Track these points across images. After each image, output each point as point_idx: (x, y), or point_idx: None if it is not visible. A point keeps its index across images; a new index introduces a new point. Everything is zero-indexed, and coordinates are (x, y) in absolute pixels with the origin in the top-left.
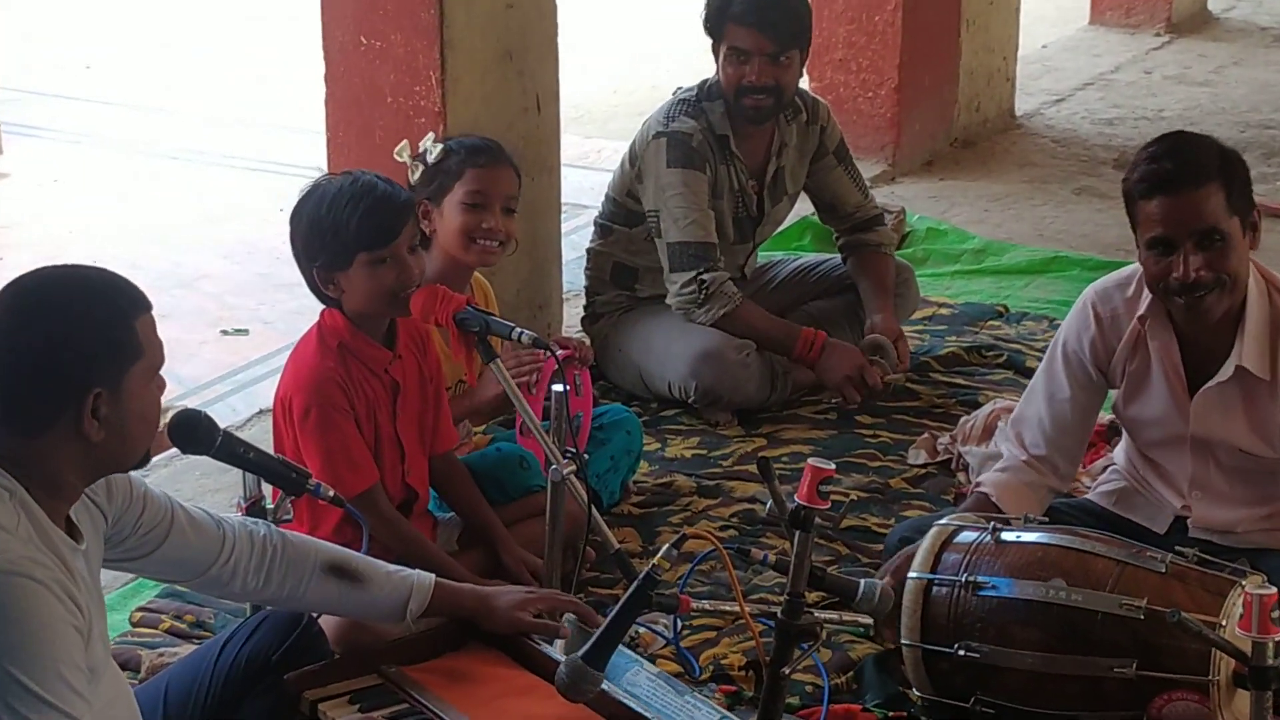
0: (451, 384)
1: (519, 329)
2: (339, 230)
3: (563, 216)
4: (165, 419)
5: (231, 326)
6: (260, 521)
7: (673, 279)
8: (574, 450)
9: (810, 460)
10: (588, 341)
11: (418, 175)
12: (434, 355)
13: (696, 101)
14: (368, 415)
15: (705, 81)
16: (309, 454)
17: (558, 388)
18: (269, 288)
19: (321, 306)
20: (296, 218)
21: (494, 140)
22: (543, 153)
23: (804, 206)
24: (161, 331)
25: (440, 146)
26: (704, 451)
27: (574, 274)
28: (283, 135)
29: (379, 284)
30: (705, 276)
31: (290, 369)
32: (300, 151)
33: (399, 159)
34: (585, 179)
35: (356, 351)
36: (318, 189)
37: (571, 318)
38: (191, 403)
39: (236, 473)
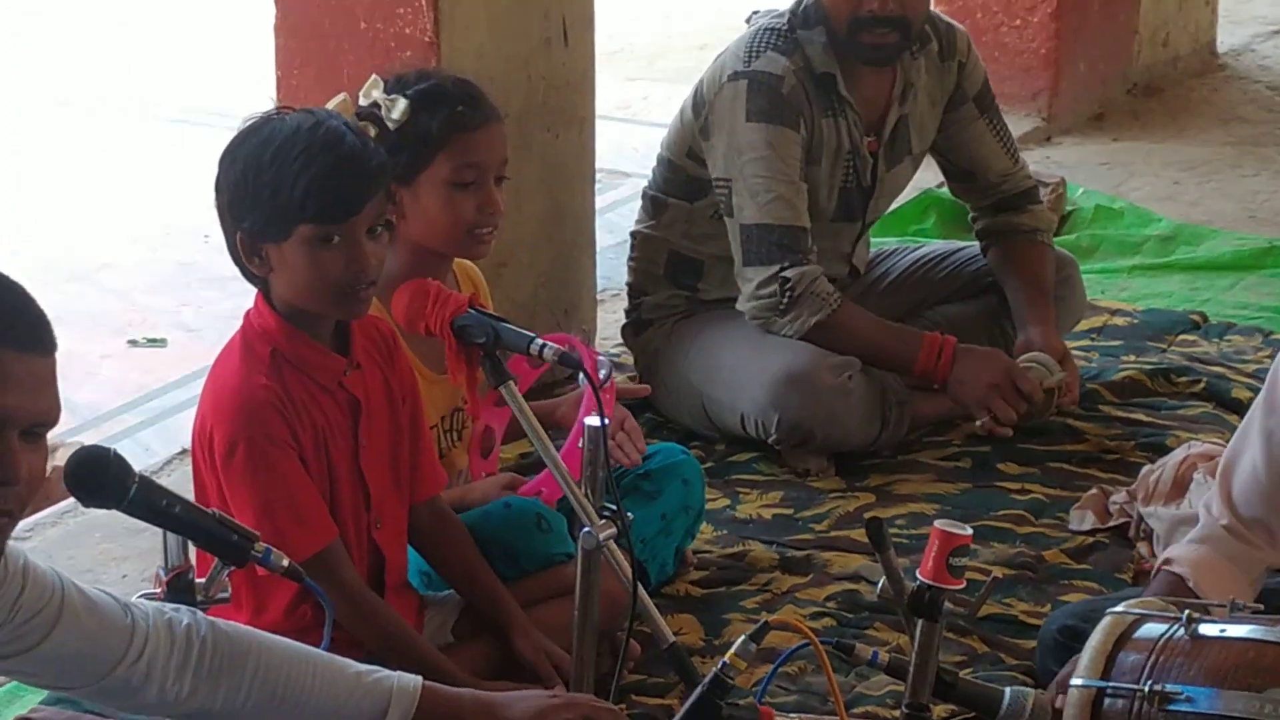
0: (447, 412)
1: (540, 340)
2: (280, 187)
3: (597, 187)
4: (56, 459)
5: (143, 335)
6: (184, 607)
7: (747, 276)
8: (614, 507)
9: (937, 524)
10: (631, 361)
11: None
12: (404, 365)
13: (789, 31)
14: (317, 447)
15: (801, 2)
16: (239, 505)
17: (593, 421)
18: (194, 282)
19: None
20: (229, 159)
21: (465, 79)
22: (571, 99)
23: (926, 177)
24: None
25: (401, 102)
26: (789, 510)
27: (612, 266)
28: (217, 75)
29: (319, 271)
30: (789, 273)
31: (208, 391)
32: (240, 97)
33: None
34: (628, 135)
35: (296, 359)
36: (266, 126)
37: (609, 326)
38: (90, 439)
39: (152, 535)
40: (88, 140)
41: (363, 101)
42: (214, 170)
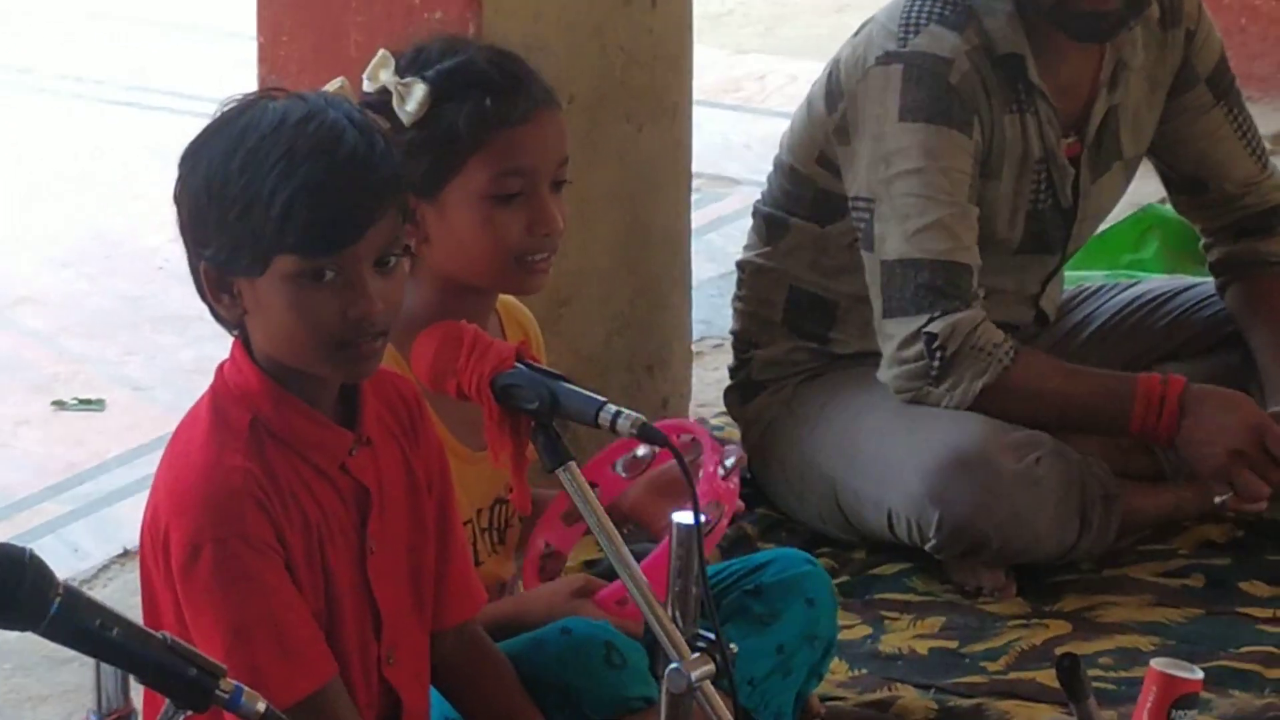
0: (486, 504)
1: (612, 406)
2: (252, 205)
3: (694, 199)
4: None
5: (73, 395)
6: None
7: (887, 332)
8: (712, 635)
9: (1155, 663)
10: (737, 436)
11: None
12: (432, 441)
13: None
14: (310, 553)
15: None
16: (203, 628)
17: (682, 518)
18: (143, 322)
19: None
20: (191, 163)
21: (506, 51)
22: (659, 79)
23: (1145, 189)
24: None
25: (419, 87)
26: (953, 643)
27: (713, 307)
28: (180, 44)
29: (305, 319)
30: (936, 326)
31: (165, 473)
32: (208, 76)
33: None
34: (737, 128)
35: (285, 432)
36: (240, 117)
37: (708, 389)
38: (2, 533)
39: (82, 667)
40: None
41: (367, 86)
42: (173, 174)
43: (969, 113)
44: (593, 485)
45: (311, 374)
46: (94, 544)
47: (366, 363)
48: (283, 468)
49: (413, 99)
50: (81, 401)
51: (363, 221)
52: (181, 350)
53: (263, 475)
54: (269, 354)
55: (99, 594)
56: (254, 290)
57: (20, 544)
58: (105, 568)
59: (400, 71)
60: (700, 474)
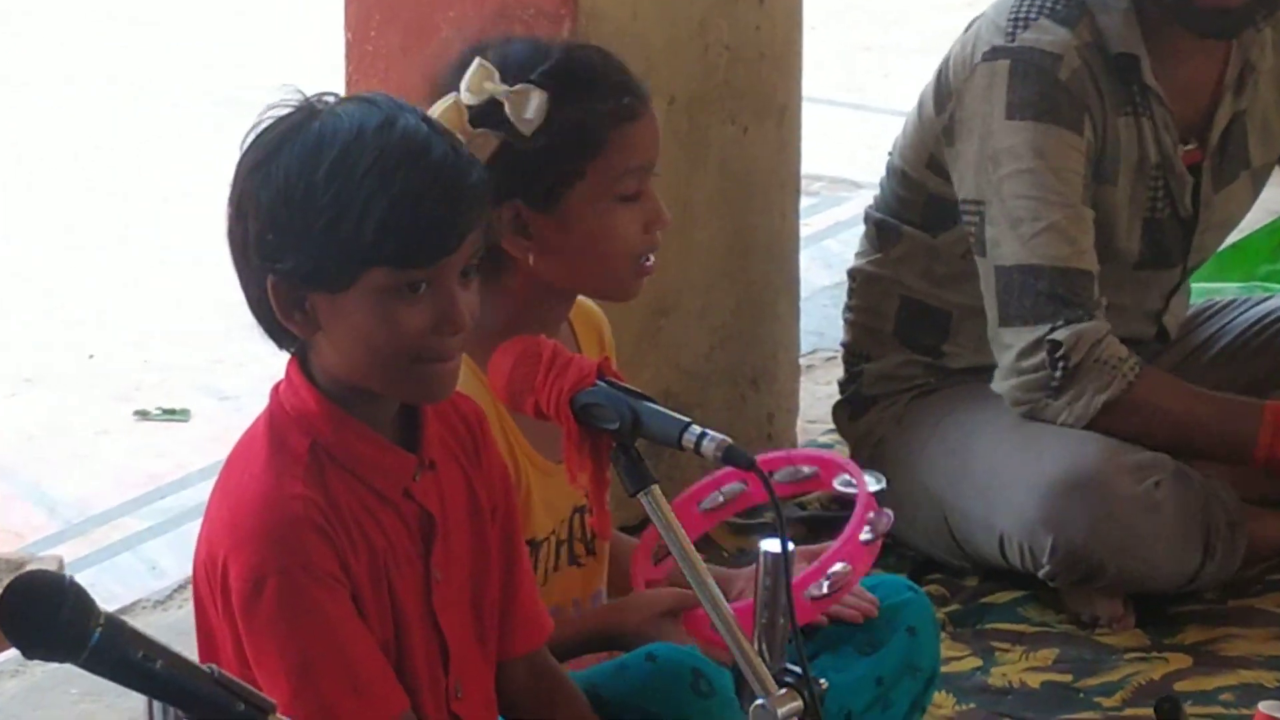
0: (567, 514)
1: (696, 428)
2: (343, 216)
3: (805, 204)
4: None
5: (157, 405)
6: None
7: (1004, 340)
8: (799, 671)
9: (1263, 706)
10: (847, 453)
11: (476, 147)
12: (495, 462)
13: None
14: (376, 582)
15: None
16: (266, 665)
17: (769, 546)
18: (234, 330)
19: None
20: (262, 172)
21: (598, 47)
22: (766, 78)
23: (1274, 195)
24: (26, 408)
25: (535, 95)
26: (1066, 677)
27: (825, 317)
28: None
29: (394, 332)
30: (1061, 334)
31: (220, 501)
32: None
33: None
34: (859, 129)
35: (346, 457)
36: (309, 124)
37: (818, 404)
38: (76, 550)
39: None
40: (91, 124)
41: (468, 99)
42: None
43: (1079, 111)
44: None
45: (378, 395)
46: (173, 561)
47: (446, 381)
48: (345, 494)
49: (531, 106)
50: (165, 412)
51: (462, 229)
52: (271, 358)
53: (324, 503)
54: (335, 374)
55: (175, 614)
56: (334, 305)
57: (96, 560)
58: (182, 587)
59: (506, 79)
60: (844, 532)
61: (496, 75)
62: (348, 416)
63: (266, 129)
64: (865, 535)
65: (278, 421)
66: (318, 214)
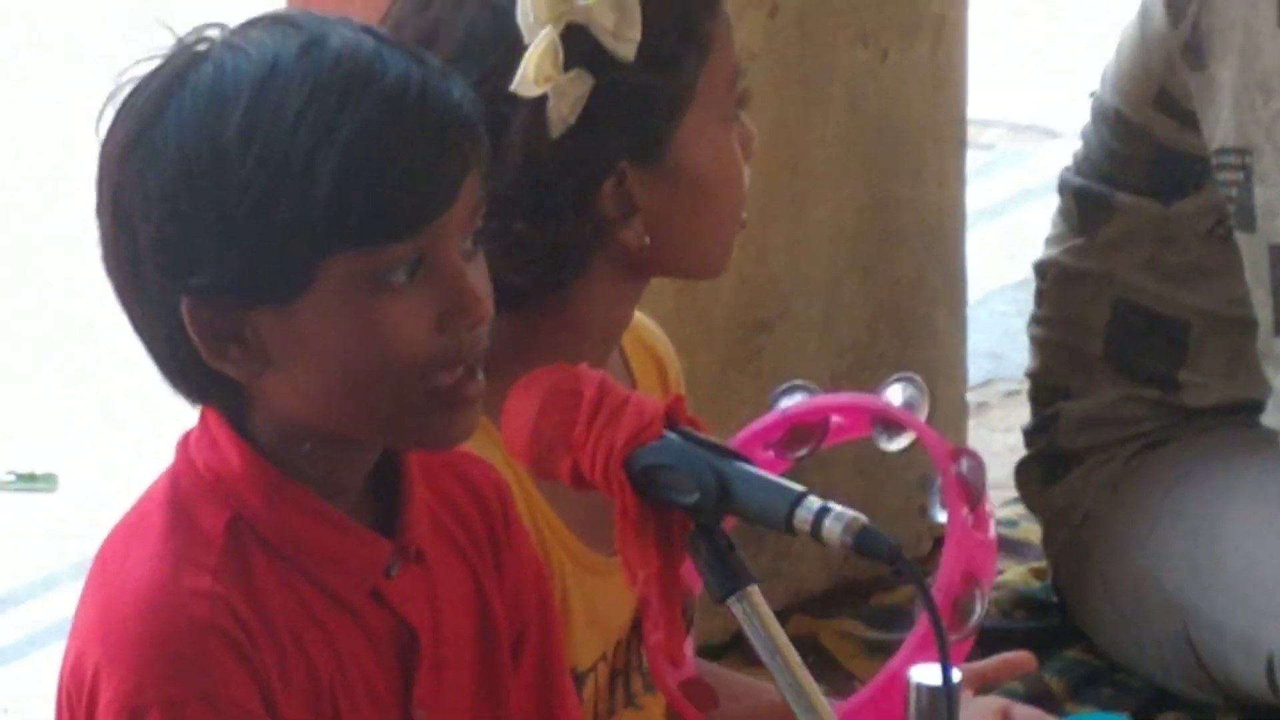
0: (606, 647)
1: (815, 500)
2: (278, 186)
3: (975, 163)
4: None
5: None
6: None
7: None
8: None
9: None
10: (1036, 536)
11: (568, 99)
12: (523, 557)
13: None
14: (319, 718)
15: None
16: None
17: (925, 675)
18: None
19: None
20: (143, 150)
21: None
22: None
23: None
24: None
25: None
26: None
27: (1008, 334)
28: None
29: (382, 339)
30: None
31: (97, 594)
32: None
33: (531, 88)
34: (1053, 51)
35: (286, 539)
36: (201, 65)
37: (995, 462)
38: None
39: None
40: None
41: (542, 32)
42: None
43: None
44: None
45: (354, 447)
46: (33, 700)
47: (469, 409)
48: (278, 593)
49: (629, 16)
50: (20, 479)
51: (452, 174)
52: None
53: (244, 605)
54: (302, 420)
55: None
56: (286, 322)
57: None
58: None
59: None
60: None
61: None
62: (287, 480)
63: (133, 93)
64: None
65: (183, 487)
66: (238, 190)
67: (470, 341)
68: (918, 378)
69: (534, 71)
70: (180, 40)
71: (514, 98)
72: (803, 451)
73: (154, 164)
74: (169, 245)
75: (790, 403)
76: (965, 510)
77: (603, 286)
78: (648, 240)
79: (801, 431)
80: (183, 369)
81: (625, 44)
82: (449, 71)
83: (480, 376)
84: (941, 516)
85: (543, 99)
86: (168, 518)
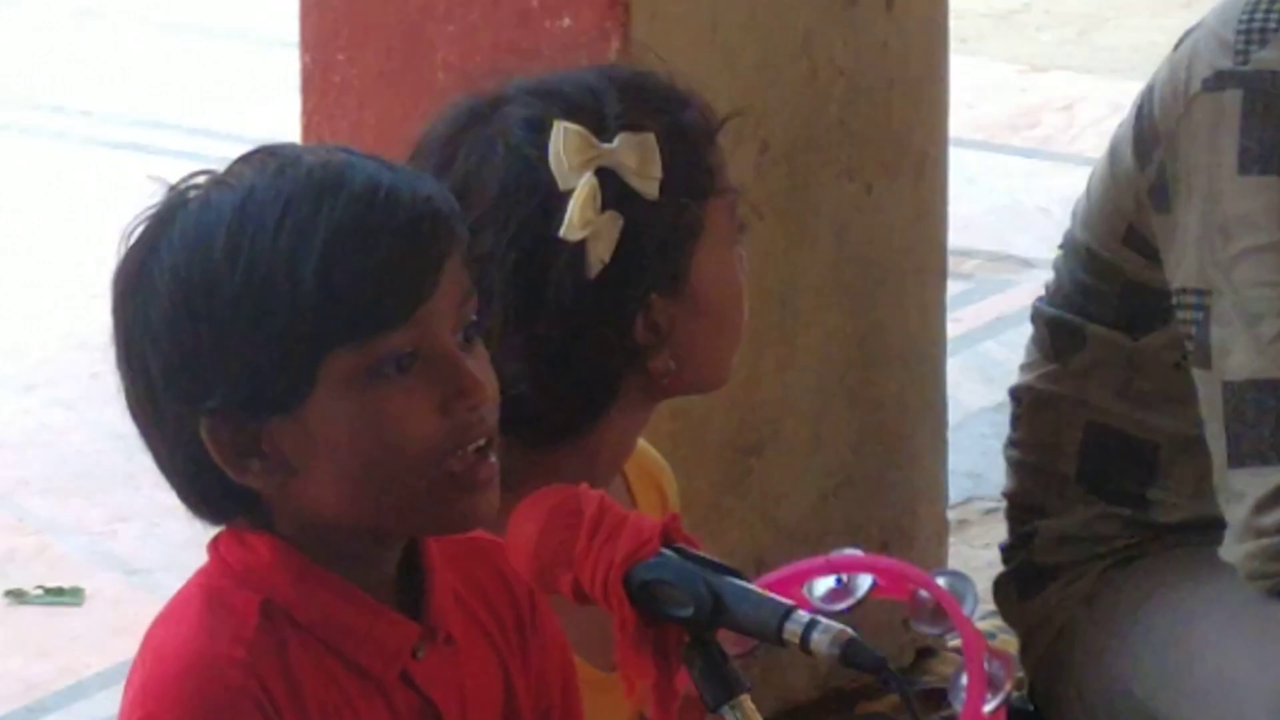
0: None
1: (803, 614)
2: (268, 293)
3: (956, 291)
4: None
5: (35, 583)
6: None
7: (1235, 487)
8: None
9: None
10: (1014, 646)
11: (603, 240)
12: (551, 643)
13: None
14: None
15: None
16: None
17: None
18: (140, 473)
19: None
20: (142, 289)
21: (636, 66)
22: (897, 116)
23: None
24: None
25: (649, 140)
26: None
27: (987, 455)
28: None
29: (391, 431)
30: None
31: (142, 659)
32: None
33: (576, 233)
34: (1030, 184)
35: (317, 621)
36: (185, 208)
37: (976, 576)
38: None
39: None
40: None
41: (574, 178)
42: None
43: None
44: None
45: (382, 538)
46: None
47: (486, 491)
48: (310, 671)
49: (651, 157)
50: (49, 592)
51: (427, 261)
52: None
53: (275, 677)
54: (329, 519)
55: None
56: (299, 429)
57: None
58: None
59: (597, 132)
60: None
61: (584, 131)
62: (314, 567)
63: (131, 240)
64: (990, 705)
65: (216, 578)
66: (232, 307)
67: (475, 422)
68: (968, 576)
69: (579, 216)
70: (172, 187)
71: (551, 243)
72: (839, 606)
73: (153, 297)
74: (178, 372)
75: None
76: (986, 703)
77: (624, 415)
78: (673, 365)
79: (844, 586)
80: (206, 492)
81: (649, 182)
82: (419, 173)
83: (493, 459)
84: (958, 705)
85: (580, 242)
86: (205, 602)
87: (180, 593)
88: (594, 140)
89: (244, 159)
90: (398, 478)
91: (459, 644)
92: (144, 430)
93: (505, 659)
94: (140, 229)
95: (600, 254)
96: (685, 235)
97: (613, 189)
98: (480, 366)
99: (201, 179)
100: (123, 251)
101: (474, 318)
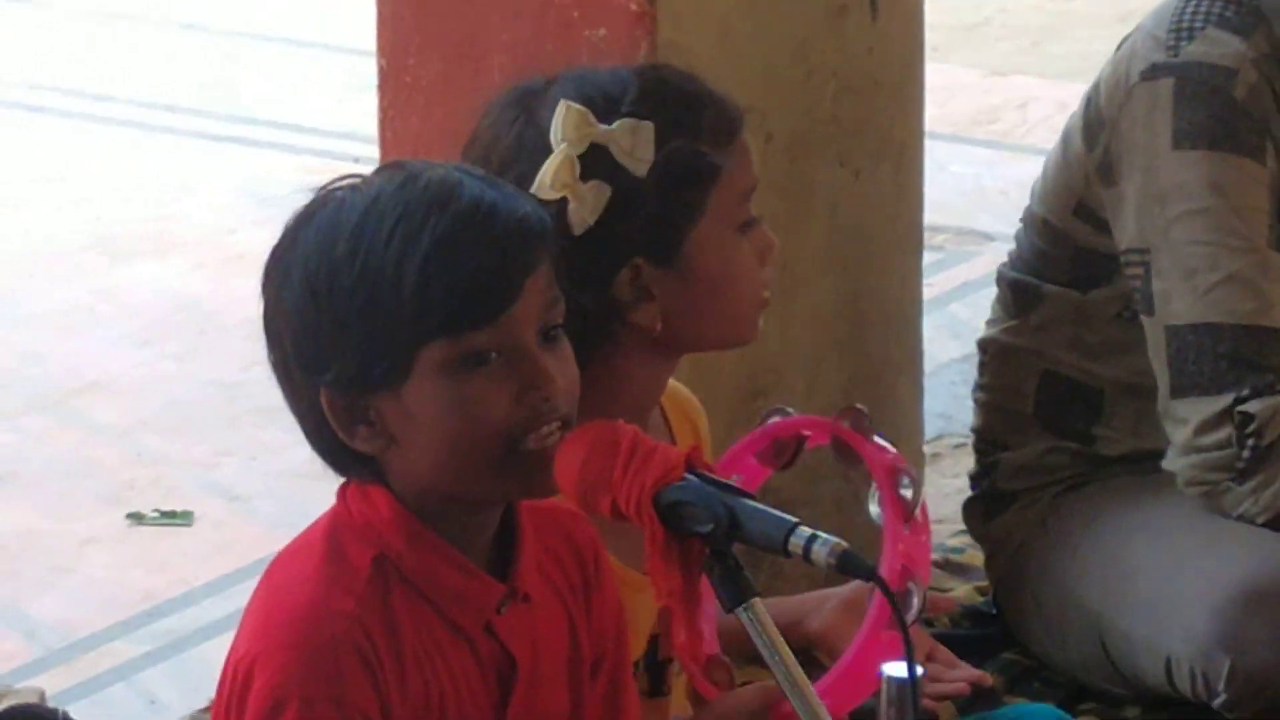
0: (638, 656)
1: (805, 529)
2: (378, 289)
3: (930, 260)
4: None
5: (153, 506)
6: None
7: (1178, 414)
8: None
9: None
10: (979, 560)
11: (587, 204)
12: (611, 600)
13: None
14: None
15: None
16: None
17: (894, 669)
18: (241, 415)
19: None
20: (280, 274)
21: (671, 66)
22: (881, 111)
23: None
24: (2, 512)
25: (645, 127)
26: None
27: (954, 399)
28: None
29: (470, 415)
30: (1253, 405)
31: (262, 602)
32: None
33: (549, 192)
34: (991, 171)
35: (422, 578)
36: (324, 207)
37: (947, 500)
38: (57, 681)
39: None
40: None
41: (568, 149)
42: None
43: (1260, 135)
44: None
45: (476, 506)
46: (175, 694)
47: (544, 474)
48: (410, 622)
49: (641, 141)
50: (164, 515)
51: (516, 273)
52: (290, 450)
53: (380, 628)
54: (423, 486)
55: None
56: (399, 404)
57: (83, 693)
58: None
59: (599, 115)
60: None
61: (589, 115)
62: (426, 530)
63: (295, 220)
64: (905, 491)
65: (340, 527)
66: (348, 297)
67: (546, 410)
68: (863, 408)
69: (551, 179)
70: (323, 187)
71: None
72: (782, 462)
73: (288, 284)
74: (303, 347)
75: (772, 421)
76: (904, 522)
77: (631, 363)
78: (659, 324)
79: (781, 444)
80: (329, 447)
81: (639, 163)
82: (520, 194)
83: (554, 441)
84: (877, 512)
85: (564, 203)
86: (326, 548)
87: (307, 532)
88: (592, 119)
89: (380, 169)
90: (478, 452)
91: (535, 601)
92: (283, 389)
93: (573, 615)
94: (290, 223)
95: (584, 216)
96: (677, 215)
97: (605, 163)
98: (557, 362)
99: (345, 182)
100: (276, 241)
101: (558, 319)
